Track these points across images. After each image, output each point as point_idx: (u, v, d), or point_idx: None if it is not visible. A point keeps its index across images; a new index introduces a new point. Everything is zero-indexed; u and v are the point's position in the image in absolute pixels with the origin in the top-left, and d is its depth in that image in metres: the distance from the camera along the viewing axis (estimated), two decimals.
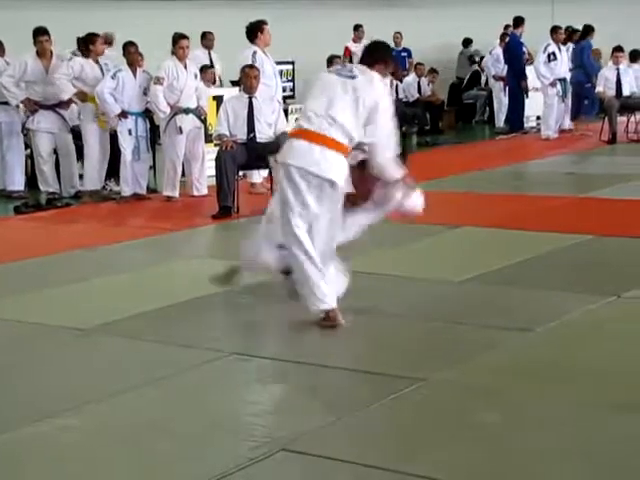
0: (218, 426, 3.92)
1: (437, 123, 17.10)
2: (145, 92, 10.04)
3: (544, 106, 15.05)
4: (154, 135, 10.49)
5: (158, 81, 9.91)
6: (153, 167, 11.02)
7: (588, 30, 15.73)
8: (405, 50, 17.43)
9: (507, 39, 16.47)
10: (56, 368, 4.77)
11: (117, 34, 12.08)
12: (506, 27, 16.81)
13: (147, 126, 10.18)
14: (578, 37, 15.97)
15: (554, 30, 15.23)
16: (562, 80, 15.01)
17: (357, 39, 16.09)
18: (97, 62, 10.39)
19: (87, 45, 10.40)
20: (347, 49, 16.12)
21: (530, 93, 15.74)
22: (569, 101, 15.53)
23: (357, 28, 16.22)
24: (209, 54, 13.26)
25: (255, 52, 10.31)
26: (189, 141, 10.15)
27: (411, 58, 17.40)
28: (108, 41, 11.66)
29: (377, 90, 5.17)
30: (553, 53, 14.87)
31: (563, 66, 15.03)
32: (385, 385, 4.28)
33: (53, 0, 13.18)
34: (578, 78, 15.38)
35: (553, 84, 14.91)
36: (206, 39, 13.30)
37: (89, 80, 10.22)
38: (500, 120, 16.81)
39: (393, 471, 3.42)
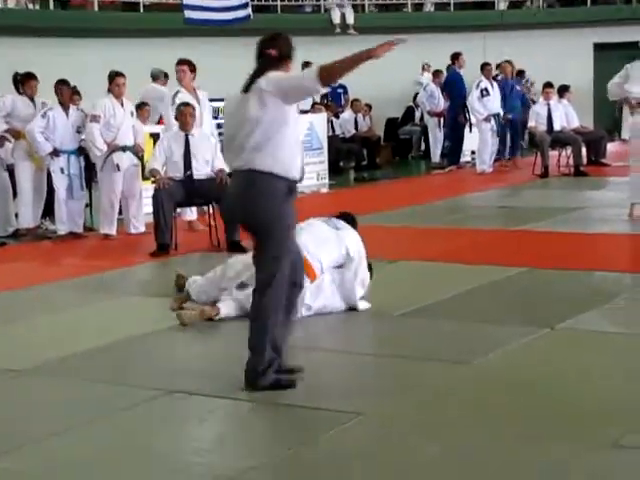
0: (157, 465, 3.88)
1: (374, 158, 17.26)
2: (79, 130, 9.99)
3: (479, 141, 15.29)
4: (90, 173, 10.42)
5: (94, 119, 9.86)
6: (90, 205, 10.94)
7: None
8: (341, 87, 17.60)
9: (442, 75, 16.71)
10: None
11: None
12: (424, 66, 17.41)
13: (81, 164, 10.10)
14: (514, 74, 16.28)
15: (484, 66, 15.54)
16: (495, 115, 15.28)
17: None
18: (32, 100, 10.32)
19: (21, 83, 10.33)
20: None
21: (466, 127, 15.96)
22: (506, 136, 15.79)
23: (307, 64, 16.47)
24: None
25: (177, 92, 10.34)
26: (126, 179, 10.11)
27: (347, 94, 17.56)
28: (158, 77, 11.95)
29: None
30: (486, 89, 15.14)
31: (496, 102, 15.31)
32: (325, 420, 4.28)
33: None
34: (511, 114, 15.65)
35: (487, 119, 15.17)
36: None
37: (22, 117, 10.14)
38: (436, 155, 17.02)
39: None
